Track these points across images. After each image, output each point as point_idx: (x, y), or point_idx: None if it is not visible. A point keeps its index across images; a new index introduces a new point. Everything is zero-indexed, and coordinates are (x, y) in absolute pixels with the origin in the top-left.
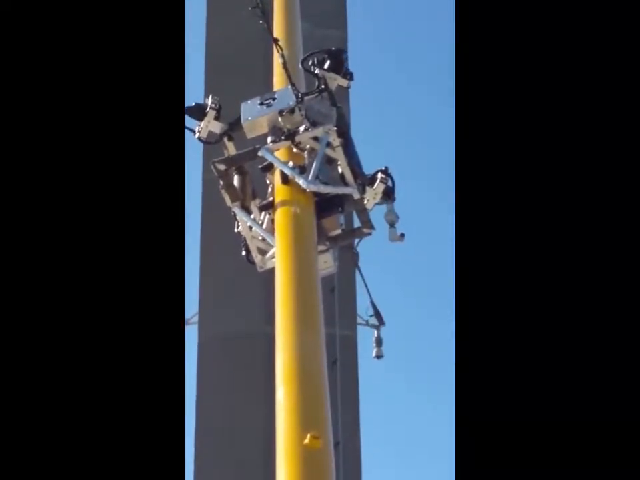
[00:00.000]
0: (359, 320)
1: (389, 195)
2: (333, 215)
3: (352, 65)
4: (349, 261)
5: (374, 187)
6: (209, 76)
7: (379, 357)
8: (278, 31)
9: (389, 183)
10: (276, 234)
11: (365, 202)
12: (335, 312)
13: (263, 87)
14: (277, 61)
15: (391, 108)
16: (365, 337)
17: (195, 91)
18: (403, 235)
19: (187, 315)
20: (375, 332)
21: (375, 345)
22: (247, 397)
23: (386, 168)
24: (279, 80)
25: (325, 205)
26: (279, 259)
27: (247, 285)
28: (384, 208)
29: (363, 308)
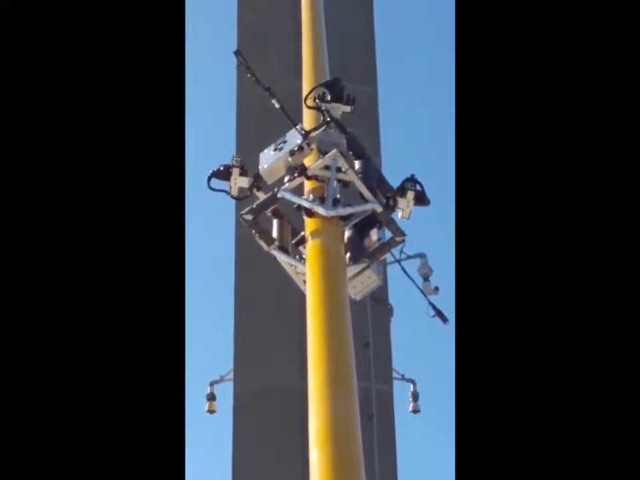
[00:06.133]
0: (394, 374)
1: (421, 199)
2: (373, 231)
3: (383, 120)
4: (382, 315)
5: (405, 196)
6: (240, 132)
7: (415, 411)
8: (306, 84)
9: (418, 188)
10: (307, 267)
11: (401, 212)
12: (371, 367)
13: None
14: (305, 112)
15: (424, 161)
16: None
17: (227, 146)
18: (437, 289)
19: (222, 372)
20: (411, 386)
21: (411, 399)
22: (283, 453)
23: (412, 175)
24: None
25: (366, 224)
26: (309, 300)
27: (280, 341)
28: (417, 262)
29: (398, 362)
